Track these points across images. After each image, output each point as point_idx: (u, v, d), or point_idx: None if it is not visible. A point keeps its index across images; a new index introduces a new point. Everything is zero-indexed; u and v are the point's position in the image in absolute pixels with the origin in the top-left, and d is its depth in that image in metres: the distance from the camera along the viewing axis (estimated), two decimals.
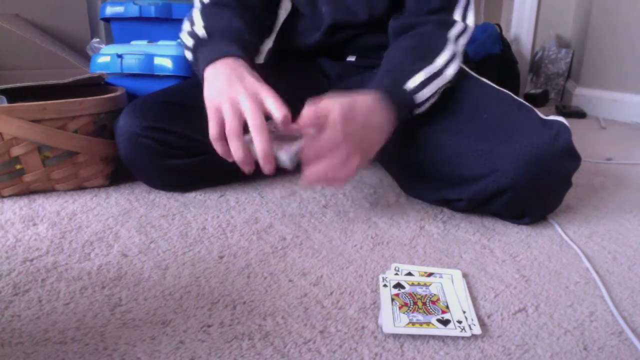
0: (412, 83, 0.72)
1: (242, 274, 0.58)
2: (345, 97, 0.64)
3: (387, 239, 0.68)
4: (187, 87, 0.88)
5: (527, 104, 0.78)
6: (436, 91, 0.74)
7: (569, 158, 0.69)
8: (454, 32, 0.78)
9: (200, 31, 0.78)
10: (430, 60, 0.75)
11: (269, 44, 0.97)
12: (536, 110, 0.76)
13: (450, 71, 0.75)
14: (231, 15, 0.81)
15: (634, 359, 0.44)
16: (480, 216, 0.77)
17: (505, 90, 0.82)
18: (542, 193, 0.70)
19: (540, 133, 0.68)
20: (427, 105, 0.74)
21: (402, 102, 0.71)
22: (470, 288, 0.55)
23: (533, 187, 0.68)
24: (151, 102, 0.83)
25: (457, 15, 0.79)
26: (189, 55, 0.80)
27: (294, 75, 0.93)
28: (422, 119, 0.78)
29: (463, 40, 0.79)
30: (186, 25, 0.82)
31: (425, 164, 0.77)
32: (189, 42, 0.79)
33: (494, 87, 0.83)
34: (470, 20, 0.80)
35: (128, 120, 0.80)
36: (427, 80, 0.73)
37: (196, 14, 0.82)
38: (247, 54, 0.74)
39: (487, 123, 0.74)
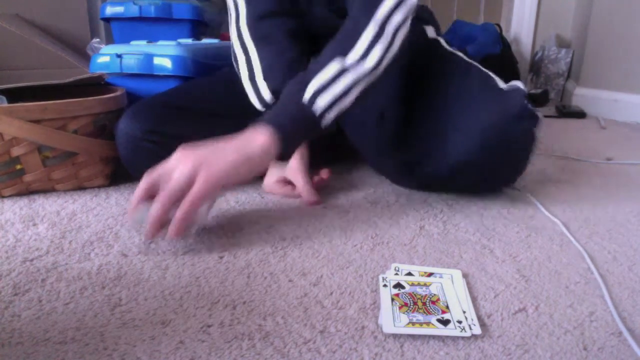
0: (307, 94, 0.67)
1: (242, 274, 0.58)
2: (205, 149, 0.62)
3: (387, 239, 0.68)
4: (188, 89, 0.89)
5: (491, 75, 0.79)
6: (350, 89, 0.68)
7: (523, 118, 0.72)
8: (382, 9, 0.71)
9: (262, 86, 0.81)
10: (341, 52, 0.69)
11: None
12: (497, 80, 0.77)
13: (372, 61, 0.69)
14: (282, 38, 0.83)
15: (634, 359, 0.44)
16: (480, 216, 0.77)
17: (472, 63, 0.83)
18: (504, 159, 0.74)
19: (493, 101, 0.73)
20: (341, 108, 0.69)
21: (286, 125, 0.65)
22: (470, 288, 0.56)
23: (493, 155, 0.72)
24: (152, 105, 0.84)
25: None
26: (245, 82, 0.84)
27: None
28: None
29: (399, 16, 0.72)
30: (237, 49, 0.85)
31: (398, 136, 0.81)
32: (245, 75, 0.84)
33: (462, 60, 0.83)
34: None
35: (129, 124, 0.81)
36: (327, 84, 0.67)
37: (246, 35, 0.84)
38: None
39: (449, 98, 0.77)
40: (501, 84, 0.78)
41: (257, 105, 0.87)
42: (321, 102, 0.67)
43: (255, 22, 0.86)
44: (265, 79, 0.82)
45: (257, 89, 0.85)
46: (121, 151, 0.82)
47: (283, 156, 0.67)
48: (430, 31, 0.96)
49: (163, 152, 0.78)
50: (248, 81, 0.85)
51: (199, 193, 0.58)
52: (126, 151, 0.82)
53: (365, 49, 0.69)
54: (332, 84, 0.67)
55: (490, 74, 0.80)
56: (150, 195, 0.60)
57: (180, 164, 0.59)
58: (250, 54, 0.85)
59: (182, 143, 0.80)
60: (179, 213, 0.58)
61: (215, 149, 0.62)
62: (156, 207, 0.57)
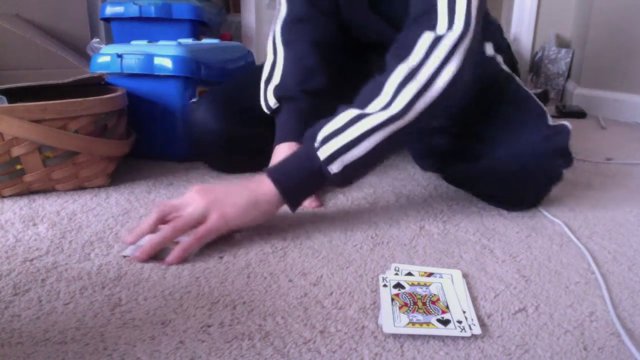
0: (317, 142, 0.64)
1: (242, 274, 0.58)
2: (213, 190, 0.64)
3: (387, 239, 0.68)
4: (256, 87, 0.93)
5: (545, 111, 0.79)
6: (363, 138, 0.62)
7: (562, 156, 0.73)
8: (418, 49, 0.64)
9: (272, 94, 0.86)
10: (363, 104, 0.64)
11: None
12: (549, 116, 0.77)
13: (398, 107, 0.62)
14: (307, 46, 0.87)
15: (634, 359, 0.44)
16: (480, 216, 0.77)
17: (529, 95, 0.82)
18: (527, 182, 0.75)
19: (542, 128, 0.73)
20: (351, 158, 0.63)
21: (291, 173, 0.64)
22: (470, 288, 0.56)
23: (521, 174, 0.72)
24: (228, 104, 0.93)
25: (440, 20, 0.65)
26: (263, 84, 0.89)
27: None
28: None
29: (439, 53, 0.63)
30: (269, 46, 0.91)
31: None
32: (264, 77, 0.89)
33: (519, 88, 0.83)
34: (459, 19, 0.64)
35: (206, 118, 0.91)
36: (338, 131, 0.63)
37: (278, 37, 0.90)
38: (313, 109, 0.83)
39: (503, 122, 0.75)
40: (551, 121, 0.77)
41: (264, 108, 0.90)
42: (326, 152, 0.62)
43: (288, 25, 0.90)
44: (279, 84, 0.86)
45: (266, 92, 0.89)
46: (195, 140, 0.94)
47: (291, 205, 0.66)
48: (489, 49, 0.89)
49: (231, 146, 0.93)
50: (263, 83, 0.90)
51: (210, 229, 0.60)
52: (199, 139, 0.93)
53: (390, 96, 0.63)
54: (341, 133, 0.62)
55: (545, 109, 0.78)
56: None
57: (195, 202, 0.61)
58: (277, 57, 0.89)
59: (246, 140, 0.92)
60: (187, 243, 0.59)
61: (228, 192, 0.63)
62: (163, 234, 0.59)
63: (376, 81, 0.67)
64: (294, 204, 0.66)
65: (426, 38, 0.64)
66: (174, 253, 0.59)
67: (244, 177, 0.94)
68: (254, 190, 0.64)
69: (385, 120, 0.62)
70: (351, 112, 0.64)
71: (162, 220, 0.61)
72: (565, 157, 0.73)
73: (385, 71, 0.67)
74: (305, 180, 0.64)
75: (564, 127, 0.73)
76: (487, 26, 0.97)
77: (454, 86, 0.64)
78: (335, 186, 0.68)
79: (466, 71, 0.65)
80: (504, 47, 0.98)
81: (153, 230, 0.61)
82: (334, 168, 0.63)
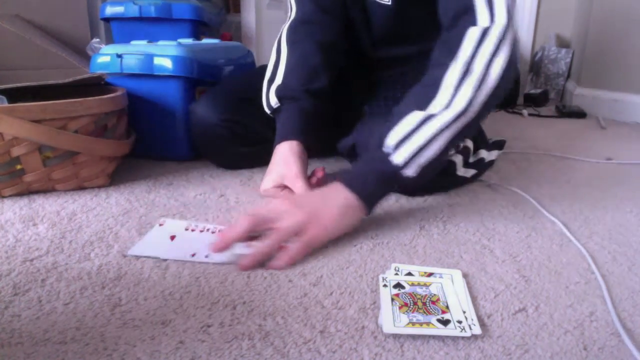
0: (387, 148, 0.65)
1: (242, 274, 0.58)
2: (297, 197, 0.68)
3: (387, 239, 0.68)
4: (257, 81, 0.95)
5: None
6: (433, 139, 0.64)
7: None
8: (466, 45, 0.66)
9: (274, 94, 0.87)
10: (422, 104, 0.65)
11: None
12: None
13: (460, 105, 0.64)
14: (312, 46, 0.88)
15: (634, 359, 0.44)
16: (480, 216, 0.77)
17: None
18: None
19: None
20: (424, 160, 0.65)
21: (368, 180, 0.65)
22: (470, 288, 0.55)
23: None
24: (228, 96, 0.95)
25: (480, 17, 0.67)
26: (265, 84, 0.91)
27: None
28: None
29: (487, 48, 0.65)
30: (274, 48, 0.92)
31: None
32: (267, 76, 0.91)
33: None
34: (500, 14, 0.66)
35: (208, 111, 0.92)
36: (408, 135, 0.64)
37: (284, 37, 0.92)
38: (314, 112, 0.86)
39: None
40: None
41: (265, 108, 0.91)
42: (400, 157, 0.64)
43: (294, 27, 0.92)
44: (281, 84, 0.87)
45: (268, 92, 0.89)
46: (196, 135, 0.96)
47: (369, 210, 0.68)
48: None
49: (233, 137, 0.93)
50: (266, 83, 0.91)
51: (315, 238, 0.62)
52: (201, 135, 0.95)
53: (450, 94, 0.64)
54: (411, 136, 0.64)
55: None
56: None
57: (292, 214, 0.62)
58: (281, 56, 0.90)
59: (249, 131, 0.94)
60: (296, 250, 0.60)
61: (316, 203, 0.64)
62: (270, 245, 0.59)
63: (429, 80, 0.68)
64: (372, 208, 0.68)
65: (473, 33, 0.66)
66: (283, 258, 0.59)
67: (245, 173, 0.94)
68: (336, 199, 0.65)
69: (452, 119, 0.64)
70: (417, 115, 0.65)
71: (253, 230, 0.61)
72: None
73: (433, 69, 0.68)
74: (381, 186, 0.67)
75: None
76: None
77: (506, 75, 0.66)
78: (408, 185, 0.69)
79: (513, 60, 0.67)
80: None
81: (243, 239, 0.61)
82: (409, 172, 0.65)
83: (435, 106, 0.65)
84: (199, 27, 1.58)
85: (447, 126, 0.64)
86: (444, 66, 0.67)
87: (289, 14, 0.96)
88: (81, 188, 0.86)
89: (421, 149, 0.64)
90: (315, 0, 0.92)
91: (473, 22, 0.67)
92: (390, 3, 0.87)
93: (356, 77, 1.02)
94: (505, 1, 0.66)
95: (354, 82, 1.02)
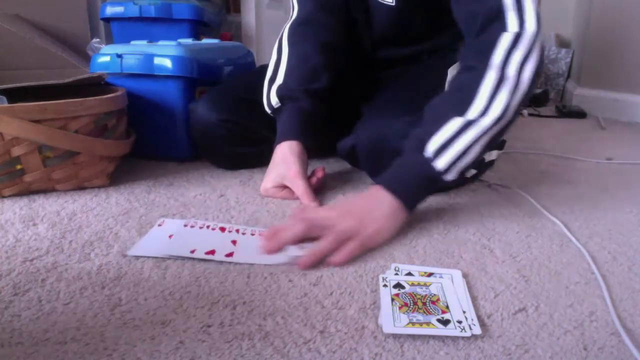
0: (428, 154, 0.67)
1: (242, 274, 0.58)
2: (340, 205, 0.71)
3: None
4: (257, 82, 0.95)
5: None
6: (472, 145, 0.66)
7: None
8: (499, 51, 0.67)
9: (275, 93, 0.88)
10: (460, 109, 0.67)
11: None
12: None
13: (496, 112, 0.66)
14: (313, 46, 0.89)
15: (634, 359, 0.44)
16: (480, 216, 0.77)
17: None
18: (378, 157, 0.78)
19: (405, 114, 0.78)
20: (464, 165, 0.67)
21: (409, 184, 0.68)
22: (470, 288, 0.55)
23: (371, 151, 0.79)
24: (229, 97, 0.95)
25: (510, 23, 0.68)
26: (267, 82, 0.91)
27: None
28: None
29: (519, 53, 0.66)
30: (275, 48, 0.93)
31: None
32: (268, 75, 0.91)
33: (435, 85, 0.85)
34: (530, 22, 0.67)
35: (208, 111, 0.92)
36: (449, 141, 0.66)
37: (285, 37, 0.92)
38: (313, 112, 0.87)
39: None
40: None
41: (266, 107, 0.91)
42: (442, 163, 0.66)
43: (296, 27, 0.92)
44: (282, 84, 0.88)
45: (269, 92, 0.90)
46: (196, 135, 0.96)
47: (410, 213, 0.69)
48: None
49: (233, 138, 0.93)
50: (267, 82, 0.91)
51: (369, 239, 0.64)
52: (201, 134, 0.95)
53: (487, 100, 0.66)
54: (452, 143, 0.66)
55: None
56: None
57: (344, 219, 0.64)
58: (282, 56, 0.91)
59: (248, 132, 0.94)
60: (353, 247, 0.62)
61: (362, 209, 0.66)
62: (325, 245, 0.61)
63: (463, 85, 0.69)
64: (412, 211, 0.70)
65: (505, 38, 0.67)
66: (342, 255, 0.60)
67: (245, 173, 0.94)
68: (382, 204, 0.66)
69: (489, 125, 0.66)
70: (456, 122, 0.66)
71: (305, 236, 0.63)
72: None
73: (465, 74, 0.70)
74: (423, 190, 0.70)
75: None
76: None
77: (535, 80, 0.68)
78: (443, 187, 0.72)
79: (541, 65, 0.69)
80: None
81: (296, 243, 0.63)
82: (450, 177, 0.68)
83: (472, 112, 0.66)
84: (198, 27, 1.58)
85: (485, 132, 0.66)
86: (476, 71, 0.68)
87: (291, 13, 0.96)
88: (81, 188, 0.86)
89: (461, 154, 0.66)
90: (317, 0, 0.92)
91: (504, 28, 0.67)
92: (394, 3, 0.87)
93: (355, 77, 1.02)
94: (534, 8, 0.68)
95: (353, 83, 1.02)
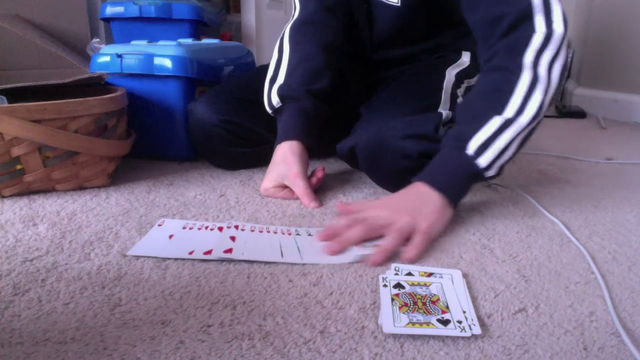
0: (470, 151, 0.70)
1: (242, 274, 0.58)
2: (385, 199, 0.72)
3: None
4: (257, 82, 0.95)
5: (438, 104, 0.85)
6: (511, 143, 0.69)
7: (408, 138, 0.76)
8: (530, 51, 0.69)
9: (277, 93, 0.88)
10: (497, 108, 0.69)
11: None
12: (441, 111, 0.82)
13: (531, 109, 0.69)
14: (315, 47, 0.89)
15: (634, 359, 0.44)
16: (480, 216, 0.77)
17: (438, 89, 0.88)
18: (378, 158, 0.79)
19: (406, 115, 0.80)
20: (503, 161, 0.71)
21: (454, 178, 0.70)
22: (470, 288, 0.56)
23: (370, 153, 0.80)
24: (228, 97, 0.95)
25: (538, 25, 0.70)
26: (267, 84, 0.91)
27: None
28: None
29: (549, 54, 0.69)
30: (276, 47, 0.93)
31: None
32: (269, 75, 0.91)
33: (436, 85, 0.88)
34: (558, 24, 0.70)
35: (207, 111, 0.93)
36: (490, 140, 0.69)
37: (286, 37, 0.92)
38: (316, 113, 0.87)
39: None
40: (442, 114, 0.82)
41: (267, 107, 0.91)
42: (485, 160, 0.69)
43: (298, 27, 0.92)
44: (283, 84, 0.88)
45: (270, 92, 0.89)
46: (195, 135, 0.96)
47: (455, 208, 0.72)
48: (465, 57, 0.97)
49: (232, 138, 0.94)
50: (268, 82, 0.91)
51: (429, 234, 0.66)
52: (200, 134, 0.95)
53: (523, 99, 0.69)
54: (493, 141, 0.69)
55: (442, 104, 0.85)
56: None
57: (400, 217, 0.65)
58: (283, 56, 0.91)
59: (248, 132, 0.94)
60: (420, 244, 0.63)
61: (414, 204, 0.68)
62: (392, 242, 0.63)
63: (498, 84, 0.71)
64: (457, 206, 0.73)
65: (536, 39, 0.69)
66: (413, 250, 0.62)
67: (245, 173, 0.94)
68: (430, 201, 0.68)
69: (527, 123, 0.69)
70: (496, 121, 0.69)
71: (367, 237, 0.65)
72: (416, 139, 0.76)
73: (498, 73, 0.72)
74: (466, 186, 0.72)
75: (433, 115, 0.79)
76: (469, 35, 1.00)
77: (562, 78, 0.73)
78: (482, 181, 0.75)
79: (566, 65, 0.75)
80: None
81: (359, 243, 0.64)
82: (491, 172, 0.71)
83: (509, 111, 0.69)
84: (199, 27, 1.58)
85: (523, 130, 0.70)
86: (509, 71, 0.70)
87: (293, 13, 0.96)
88: (81, 188, 0.86)
89: (502, 151, 0.69)
90: (320, 0, 0.92)
91: (533, 29, 0.70)
92: (399, 4, 0.87)
93: (354, 77, 1.02)
94: (561, 9, 0.70)
95: (352, 83, 1.02)
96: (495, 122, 0.69)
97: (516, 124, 0.69)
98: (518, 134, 0.69)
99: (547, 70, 0.69)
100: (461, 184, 0.71)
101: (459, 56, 0.97)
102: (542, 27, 0.70)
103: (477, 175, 0.70)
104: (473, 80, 0.98)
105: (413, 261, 0.61)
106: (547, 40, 0.69)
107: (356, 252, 0.62)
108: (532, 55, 0.69)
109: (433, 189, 0.69)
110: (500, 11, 0.71)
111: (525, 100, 0.69)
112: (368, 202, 0.72)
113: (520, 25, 0.70)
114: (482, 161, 0.69)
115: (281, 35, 0.94)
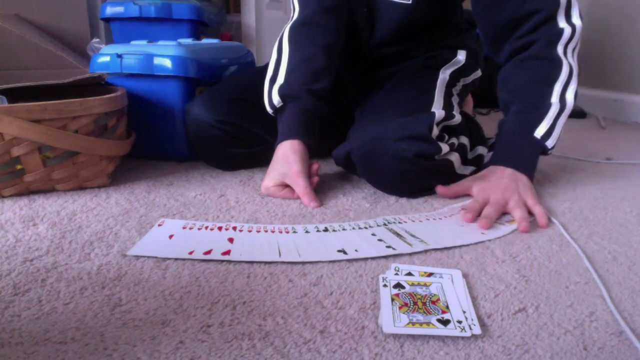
0: (538, 134, 0.81)
1: (242, 274, 0.58)
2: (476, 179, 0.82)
3: None
4: (254, 83, 0.96)
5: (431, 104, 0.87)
6: (562, 126, 0.83)
7: (404, 140, 0.78)
8: (562, 44, 0.82)
9: (277, 94, 0.88)
10: (550, 96, 0.82)
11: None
12: (435, 112, 0.83)
13: (570, 96, 0.82)
14: (315, 48, 0.90)
15: (634, 359, 0.44)
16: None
17: (432, 89, 0.90)
18: (375, 165, 0.81)
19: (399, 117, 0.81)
20: (559, 138, 0.83)
21: (526, 157, 0.82)
22: (470, 288, 0.55)
23: (367, 158, 0.81)
24: (224, 97, 0.95)
25: (561, 20, 0.82)
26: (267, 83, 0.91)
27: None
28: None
29: (573, 46, 0.83)
30: (275, 48, 0.93)
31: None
32: (269, 75, 0.91)
33: (429, 86, 0.91)
34: (576, 17, 0.82)
35: (203, 111, 0.93)
36: (554, 123, 0.82)
37: (285, 37, 0.92)
38: (317, 112, 0.88)
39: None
40: (435, 113, 0.84)
41: (267, 107, 0.90)
42: (551, 142, 0.82)
43: (297, 28, 0.92)
44: (284, 83, 0.88)
45: (270, 92, 0.89)
46: (191, 132, 0.96)
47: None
48: (461, 55, 1.00)
49: (229, 139, 0.94)
50: (268, 82, 0.91)
51: (537, 202, 0.77)
52: (196, 134, 0.95)
53: (563, 86, 0.82)
54: (555, 126, 0.82)
55: (436, 105, 0.87)
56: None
57: (511, 194, 0.76)
58: (282, 56, 0.91)
59: (245, 133, 0.94)
60: (546, 215, 0.74)
61: (515, 185, 0.78)
62: (523, 215, 0.73)
63: (546, 73, 0.83)
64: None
65: (567, 32, 0.81)
66: (544, 219, 0.73)
67: (245, 173, 0.94)
68: (520, 180, 0.79)
69: (571, 108, 0.83)
70: (554, 108, 0.82)
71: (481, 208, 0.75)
72: (411, 141, 0.78)
73: (539, 60, 0.83)
74: (536, 162, 0.84)
75: (426, 115, 0.81)
76: (466, 33, 1.01)
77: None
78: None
79: None
80: (478, 53, 1.05)
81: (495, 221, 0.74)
82: (553, 151, 0.84)
83: (561, 98, 0.82)
84: (199, 27, 1.58)
85: (569, 113, 0.83)
86: (550, 61, 0.82)
87: (292, 14, 0.96)
88: (81, 188, 0.86)
89: (559, 133, 0.83)
90: (319, 0, 0.92)
91: (562, 23, 0.82)
92: (410, 2, 0.87)
93: (350, 77, 1.02)
94: (577, 6, 0.83)
95: (348, 82, 1.02)
96: (553, 111, 0.81)
97: (566, 110, 0.82)
98: (566, 117, 0.83)
99: (574, 59, 0.83)
100: (535, 163, 0.83)
101: (454, 55, 0.98)
102: (567, 21, 0.82)
103: (542, 152, 0.83)
104: (469, 79, 1.00)
105: (548, 226, 0.73)
106: (573, 33, 0.82)
107: (506, 228, 0.72)
108: (564, 47, 0.82)
109: (518, 171, 0.79)
110: (532, 8, 0.81)
111: (566, 87, 0.82)
112: (469, 184, 0.81)
113: (550, 20, 0.81)
114: (549, 143, 0.82)
115: (280, 35, 0.94)
